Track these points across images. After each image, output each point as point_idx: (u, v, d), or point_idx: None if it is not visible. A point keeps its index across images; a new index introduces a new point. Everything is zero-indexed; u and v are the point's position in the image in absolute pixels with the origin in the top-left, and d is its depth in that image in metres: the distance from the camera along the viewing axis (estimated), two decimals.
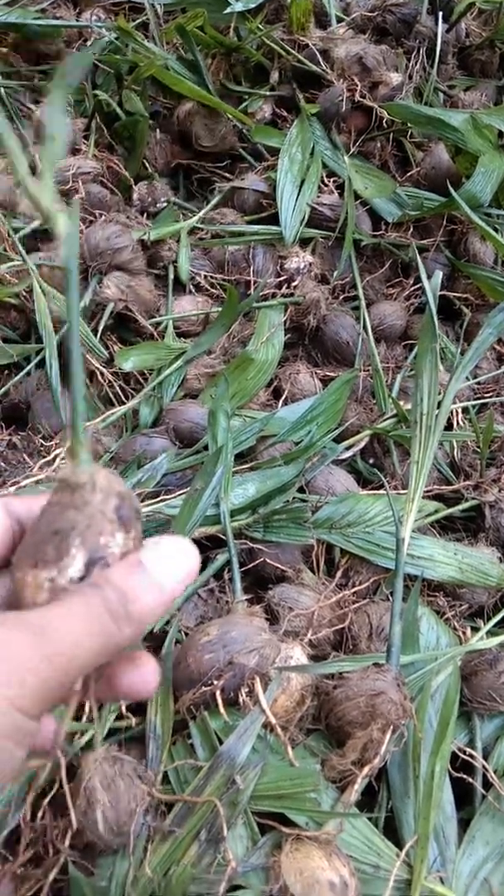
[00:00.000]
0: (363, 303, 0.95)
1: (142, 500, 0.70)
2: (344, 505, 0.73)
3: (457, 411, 0.88)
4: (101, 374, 0.83)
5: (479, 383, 0.94)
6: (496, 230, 0.95)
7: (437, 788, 0.55)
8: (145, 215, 1.00)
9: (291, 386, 0.87)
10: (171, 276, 0.95)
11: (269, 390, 0.88)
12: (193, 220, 0.99)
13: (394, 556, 0.64)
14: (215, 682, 0.55)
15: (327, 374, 0.90)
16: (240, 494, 0.71)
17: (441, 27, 1.09)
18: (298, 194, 0.96)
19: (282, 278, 0.94)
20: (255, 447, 0.78)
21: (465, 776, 0.59)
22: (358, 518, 0.72)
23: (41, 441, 0.78)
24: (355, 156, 1.01)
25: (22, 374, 0.84)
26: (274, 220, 0.96)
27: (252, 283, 0.93)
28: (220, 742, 0.54)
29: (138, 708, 0.59)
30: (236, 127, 1.04)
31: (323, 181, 0.99)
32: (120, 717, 0.57)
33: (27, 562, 0.29)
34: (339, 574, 0.71)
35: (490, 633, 0.68)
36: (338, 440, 0.81)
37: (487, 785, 0.59)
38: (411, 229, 1.01)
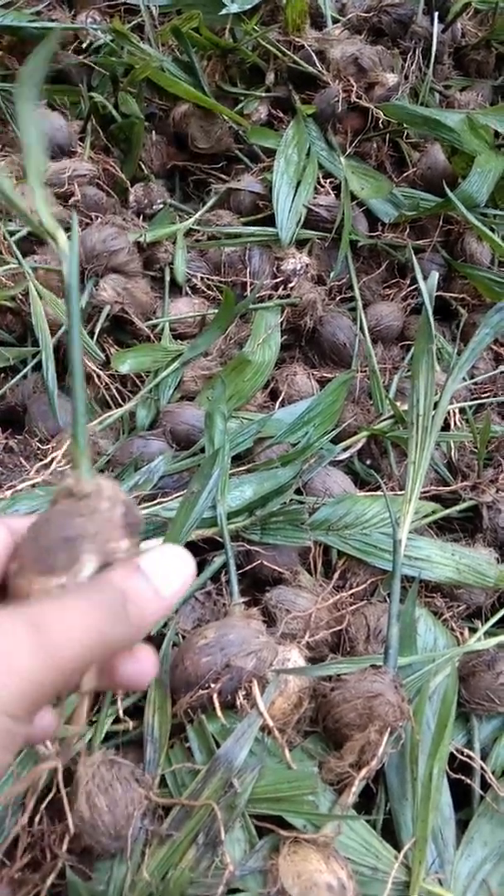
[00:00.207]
0: (360, 304, 0.94)
1: (139, 503, 0.69)
2: (341, 506, 0.73)
3: (454, 412, 0.88)
4: (98, 376, 0.83)
5: (476, 384, 0.94)
6: (492, 230, 0.95)
7: (435, 790, 0.54)
8: (141, 217, 1.00)
9: (288, 387, 0.87)
10: (168, 278, 0.95)
11: (266, 392, 0.88)
12: (190, 222, 0.99)
13: (391, 557, 0.64)
14: (212, 685, 0.55)
15: (324, 375, 0.90)
16: (237, 496, 0.71)
17: (437, 27, 1.09)
18: (295, 195, 0.96)
19: (278, 280, 0.94)
20: (252, 449, 0.78)
21: (463, 777, 0.59)
22: (355, 519, 0.72)
23: (38, 444, 0.78)
24: (351, 156, 1.01)
25: (18, 377, 0.84)
26: (270, 221, 0.96)
27: (248, 284, 0.93)
28: (218, 745, 0.54)
29: (136, 711, 0.59)
30: (232, 128, 1.04)
31: (319, 182, 0.99)
32: (117, 720, 0.57)
33: (33, 569, 0.29)
34: (336, 576, 0.71)
35: (488, 634, 0.68)
36: (335, 441, 0.81)
37: (486, 786, 0.59)
38: (408, 230, 1.01)
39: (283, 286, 0.94)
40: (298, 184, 0.97)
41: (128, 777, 0.51)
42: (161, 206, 1.01)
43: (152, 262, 0.95)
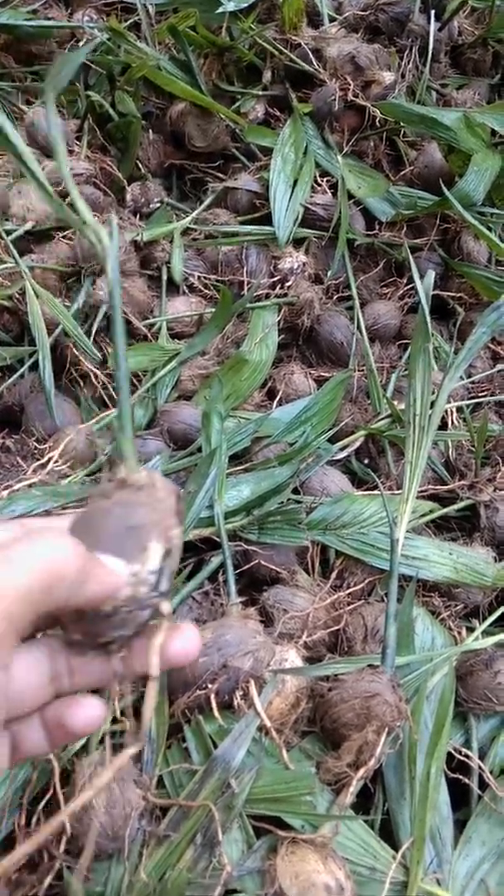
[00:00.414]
0: (357, 303, 0.94)
1: None
2: (338, 506, 0.73)
3: (451, 411, 0.88)
4: (95, 375, 0.83)
5: (473, 382, 0.94)
6: (489, 229, 0.95)
7: (432, 790, 0.54)
8: (138, 216, 0.99)
9: (286, 387, 0.87)
10: (165, 277, 0.95)
11: (264, 391, 0.88)
12: (187, 221, 0.99)
13: (389, 556, 0.64)
14: (210, 686, 0.55)
15: (321, 374, 0.90)
16: (234, 496, 0.71)
17: (433, 26, 1.08)
18: (291, 194, 0.96)
19: (275, 278, 0.94)
20: (249, 448, 0.78)
21: (461, 777, 0.59)
22: (353, 519, 0.72)
23: (35, 444, 0.77)
24: (348, 155, 1.01)
25: (15, 376, 0.84)
26: (267, 220, 0.96)
27: (246, 283, 0.93)
28: (215, 746, 0.54)
29: (133, 712, 0.58)
30: (229, 127, 1.04)
31: (316, 181, 0.99)
32: (114, 720, 0.57)
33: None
34: (333, 575, 0.70)
35: (485, 633, 0.67)
36: (332, 441, 0.81)
37: (484, 785, 0.59)
38: (405, 228, 1.01)
39: (280, 285, 0.93)
40: (295, 182, 0.97)
41: (125, 778, 0.51)
42: (158, 204, 1.01)
43: (149, 261, 0.95)
